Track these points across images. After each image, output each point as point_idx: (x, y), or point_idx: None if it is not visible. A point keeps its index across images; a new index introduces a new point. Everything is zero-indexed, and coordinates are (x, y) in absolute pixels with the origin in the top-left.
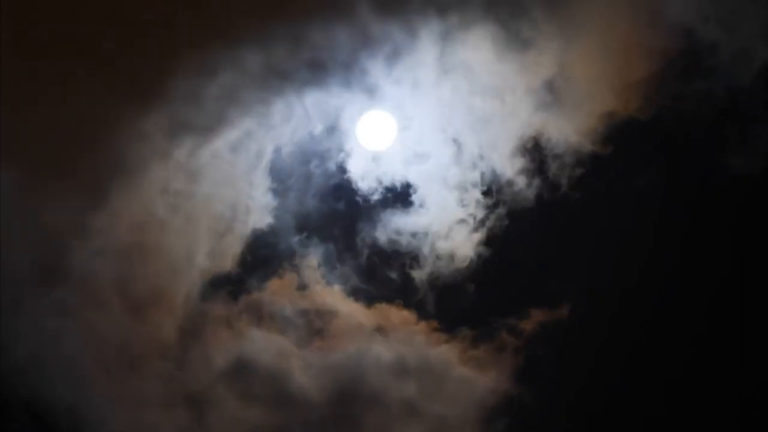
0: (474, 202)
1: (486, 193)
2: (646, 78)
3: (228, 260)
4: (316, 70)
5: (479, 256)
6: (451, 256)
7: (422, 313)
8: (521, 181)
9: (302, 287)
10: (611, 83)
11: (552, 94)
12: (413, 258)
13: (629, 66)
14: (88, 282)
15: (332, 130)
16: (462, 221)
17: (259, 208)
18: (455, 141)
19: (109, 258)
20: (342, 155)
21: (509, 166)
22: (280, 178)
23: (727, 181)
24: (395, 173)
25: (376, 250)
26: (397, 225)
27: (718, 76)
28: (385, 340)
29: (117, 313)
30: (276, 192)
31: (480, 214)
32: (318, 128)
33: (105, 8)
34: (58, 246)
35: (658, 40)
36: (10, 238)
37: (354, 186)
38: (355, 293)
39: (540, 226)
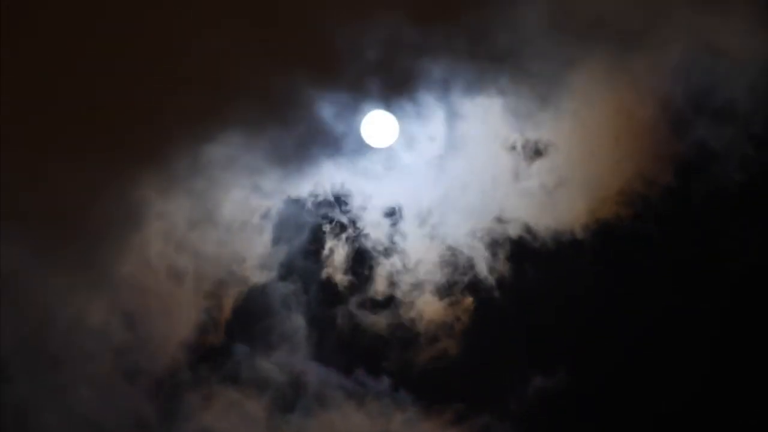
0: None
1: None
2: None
3: (218, 332)
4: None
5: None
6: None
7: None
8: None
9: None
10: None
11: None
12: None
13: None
14: (72, 356)
15: (325, 200)
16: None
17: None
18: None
19: (98, 329)
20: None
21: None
22: (276, 245)
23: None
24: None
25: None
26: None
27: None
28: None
29: (98, 387)
30: (271, 260)
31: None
32: (311, 199)
33: (106, 77)
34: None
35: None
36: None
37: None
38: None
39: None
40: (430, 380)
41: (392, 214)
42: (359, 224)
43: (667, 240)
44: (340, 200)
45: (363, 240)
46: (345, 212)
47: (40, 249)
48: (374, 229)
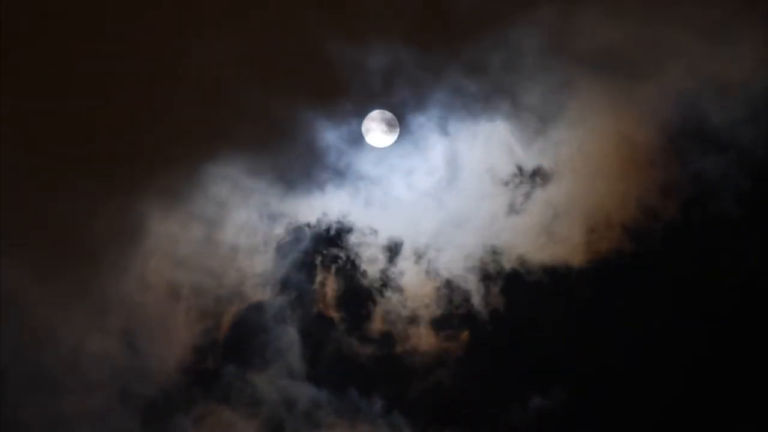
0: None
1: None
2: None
3: (213, 353)
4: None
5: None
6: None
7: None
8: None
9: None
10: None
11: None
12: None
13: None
14: (69, 376)
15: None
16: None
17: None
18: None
19: (96, 351)
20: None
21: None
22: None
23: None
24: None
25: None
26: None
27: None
28: None
29: (94, 408)
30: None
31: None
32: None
33: (107, 100)
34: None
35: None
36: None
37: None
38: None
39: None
40: (425, 403)
41: (390, 250)
42: (356, 260)
43: (664, 273)
44: (338, 233)
45: (360, 277)
46: (342, 247)
47: (40, 269)
48: (371, 266)
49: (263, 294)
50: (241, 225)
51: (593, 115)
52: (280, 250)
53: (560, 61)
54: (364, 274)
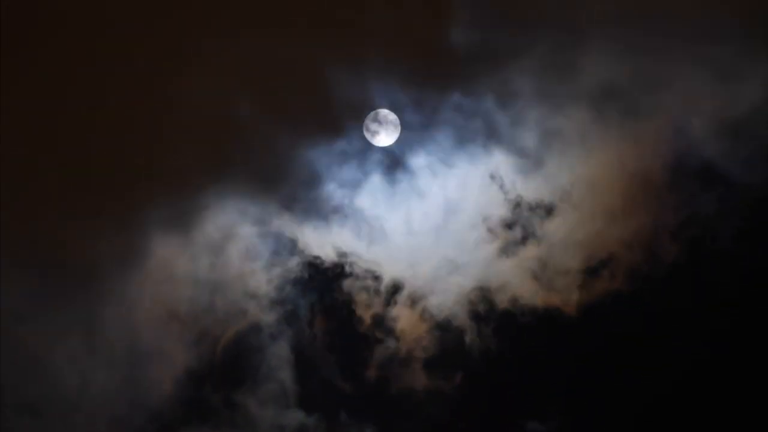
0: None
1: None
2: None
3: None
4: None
5: None
6: None
7: None
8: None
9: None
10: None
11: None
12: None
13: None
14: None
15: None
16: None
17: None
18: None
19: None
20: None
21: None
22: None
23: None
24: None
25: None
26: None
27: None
28: None
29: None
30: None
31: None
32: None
33: (109, 124)
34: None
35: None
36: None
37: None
38: None
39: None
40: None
41: (386, 291)
42: (352, 305)
43: (661, 314)
44: (333, 272)
45: (356, 323)
46: (337, 291)
47: (37, 292)
48: (366, 310)
49: (258, 322)
50: (240, 251)
51: (592, 155)
52: (278, 283)
53: (559, 100)
54: (358, 316)
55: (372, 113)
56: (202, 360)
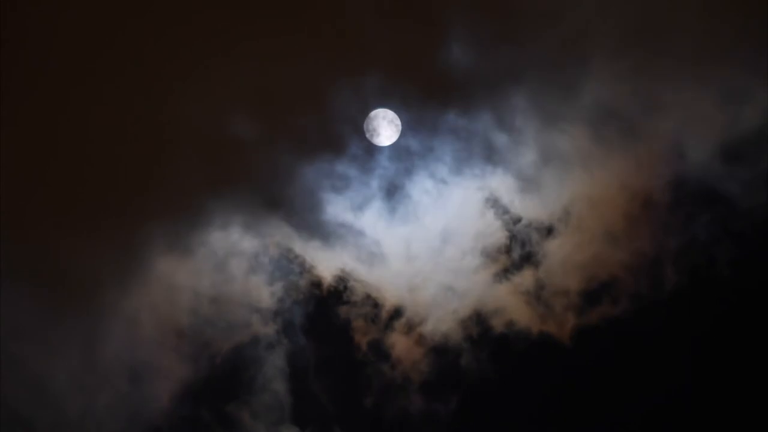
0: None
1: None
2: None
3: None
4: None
5: None
6: None
7: None
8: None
9: None
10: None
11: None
12: None
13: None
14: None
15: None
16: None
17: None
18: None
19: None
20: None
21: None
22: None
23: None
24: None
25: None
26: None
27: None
28: None
29: None
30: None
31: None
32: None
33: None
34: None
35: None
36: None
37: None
38: None
39: None
40: None
41: (384, 316)
42: (349, 329)
43: (660, 340)
44: (334, 296)
45: (353, 347)
46: (334, 314)
47: (36, 307)
48: (363, 337)
49: (257, 337)
50: (240, 267)
51: (592, 176)
52: (276, 301)
53: (559, 120)
54: (355, 340)
55: (372, 113)
56: (201, 375)
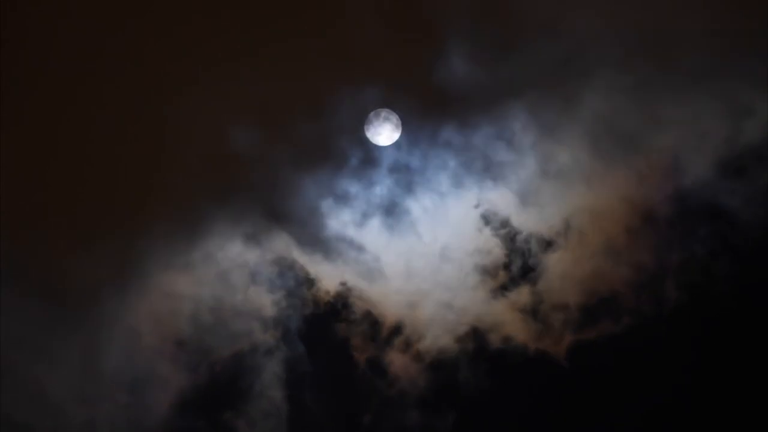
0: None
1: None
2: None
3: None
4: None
5: None
6: None
7: None
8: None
9: None
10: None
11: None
12: None
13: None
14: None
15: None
16: None
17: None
18: None
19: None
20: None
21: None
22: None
23: None
24: None
25: None
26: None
27: None
28: None
29: None
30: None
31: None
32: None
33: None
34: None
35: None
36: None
37: None
38: None
39: None
40: None
41: (382, 331)
42: (348, 345)
43: (657, 358)
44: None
45: (353, 367)
46: (333, 330)
47: (36, 317)
48: (362, 354)
49: (254, 348)
50: (241, 276)
51: (592, 191)
52: (276, 315)
53: (560, 134)
54: (356, 367)
55: (372, 113)
56: (200, 384)
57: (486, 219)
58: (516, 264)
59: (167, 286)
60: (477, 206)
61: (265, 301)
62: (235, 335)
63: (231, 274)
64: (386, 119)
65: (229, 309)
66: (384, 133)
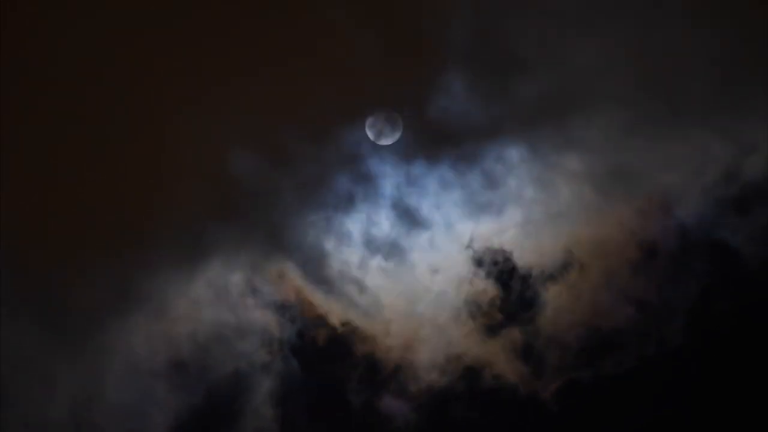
0: None
1: None
2: None
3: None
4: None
5: None
6: None
7: None
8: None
9: None
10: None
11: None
12: None
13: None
14: None
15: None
16: None
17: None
18: None
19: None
20: None
21: None
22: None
23: None
24: None
25: None
26: None
27: None
28: None
29: None
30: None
31: None
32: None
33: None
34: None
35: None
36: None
37: None
38: None
39: None
40: None
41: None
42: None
43: (656, 399)
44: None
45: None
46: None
47: (41, 337)
48: (356, 396)
49: (253, 373)
50: (241, 299)
51: (590, 228)
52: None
53: (561, 170)
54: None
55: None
56: (199, 407)
57: (482, 256)
58: (514, 301)
59: (168, 310)
60: (475, 241)
61: (266, 325)
62: (234, 357)
63: (231, 299)
64: (387, 121)
65: (229, 332)
66: (385, 138)
